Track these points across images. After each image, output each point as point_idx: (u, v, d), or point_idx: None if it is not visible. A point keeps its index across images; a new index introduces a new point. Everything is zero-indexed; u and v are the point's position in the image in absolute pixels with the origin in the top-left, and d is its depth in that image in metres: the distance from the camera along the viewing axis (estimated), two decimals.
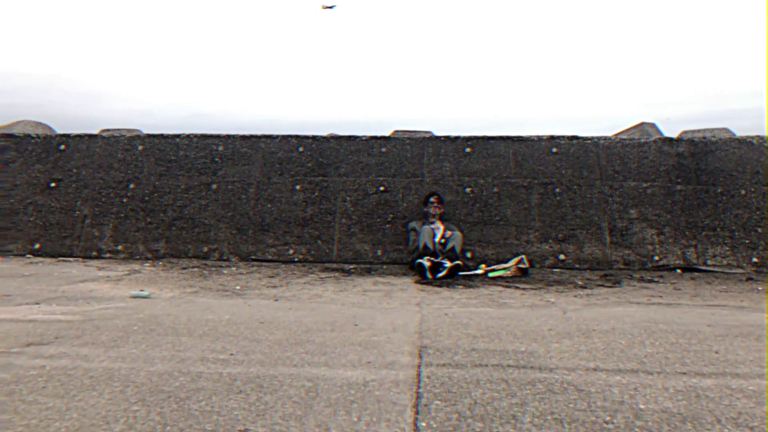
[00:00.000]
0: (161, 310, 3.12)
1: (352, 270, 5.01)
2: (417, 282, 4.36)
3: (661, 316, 3.11)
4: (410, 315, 3.07)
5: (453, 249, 4.74)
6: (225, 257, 5.47)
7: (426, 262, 4.52)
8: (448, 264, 4.55)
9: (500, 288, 4.14)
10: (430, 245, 4.72)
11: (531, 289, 4.12)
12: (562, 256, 5.24)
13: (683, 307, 3.46)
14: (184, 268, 4.96)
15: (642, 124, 6.47)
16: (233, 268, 5.00)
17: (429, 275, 4.47)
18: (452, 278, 4.51)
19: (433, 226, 5.21)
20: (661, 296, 3.85)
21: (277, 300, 3.54)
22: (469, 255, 5.25)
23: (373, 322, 2.86)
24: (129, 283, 4.14)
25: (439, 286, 4.20)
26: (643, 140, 5.61)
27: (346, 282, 4.31)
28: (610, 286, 4.29)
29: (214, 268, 4.97)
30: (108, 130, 6.47)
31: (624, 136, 5.69)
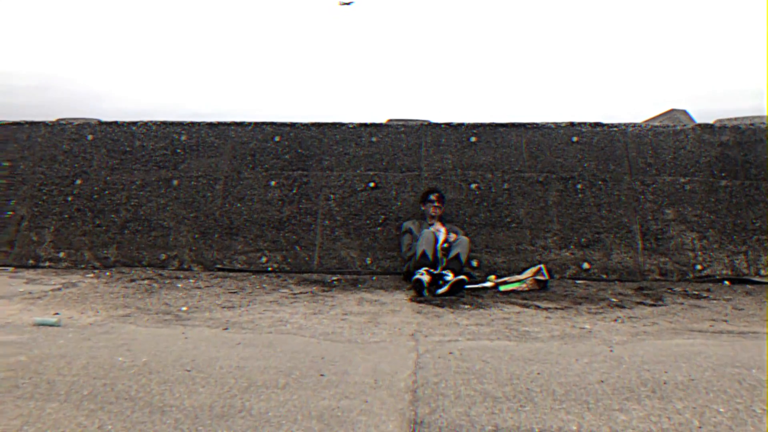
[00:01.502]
0: (59, 348, 2.27)
1: (334, 282, 4.16)
2: (413, 299, 3.51)
3: (746, 355, 2.26)
4: (401, 355, 2.23)
5: (458, 257, 3.89)
6: (185, 266, 4.62)
7: (424, 276, 3.67)
8: (450, 277, 3.70)
9: (517, 308, 3.29)
10: (430, 253, 3.87)
11: (556, 309, 3.28)
12: (586, 265, 4.39)
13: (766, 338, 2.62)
14: (133, 281, 4.10)
15: (672, 110, 5.64)
16: (191, 280, 4.15)
17: (427, 293, 3.63)
18: (456, 294, 3.67)
19: (433, 228, 4.36)
20: (725, 320, 3.01)
21: (227, 329, 2.69)
22: (475, 263, 4.40)
23: (348, 369, 2.02)
24: (50, 302, 3.28)
25: (440, 304, 3.35)
26: (679, 128, 4.77)
27: (324, 300, 3.45)
28: (653, 305, 3.45)
29: (167, 281, 4.12)
30: (65, 119, 5.61)
31: (656, 123, 4.84)
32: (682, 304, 3.47)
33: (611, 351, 2.32)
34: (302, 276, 4.41)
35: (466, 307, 3.30)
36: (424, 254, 3.84)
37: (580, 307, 3.33)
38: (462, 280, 3.78)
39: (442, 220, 4.45)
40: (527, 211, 4.59)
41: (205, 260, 4.63)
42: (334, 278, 4.30)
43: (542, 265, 4.03)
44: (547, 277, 3.98)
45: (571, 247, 4.46)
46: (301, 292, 3.72)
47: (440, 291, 3.63)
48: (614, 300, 3.57)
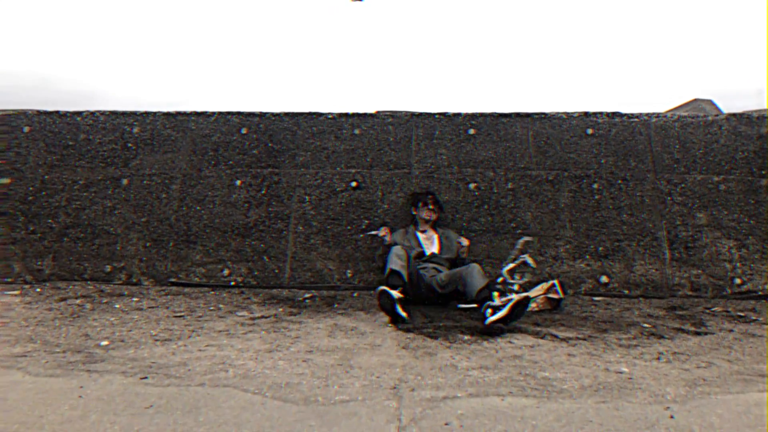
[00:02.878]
0: None
1: (306, 301, 3.47)
2: (399, 327, 2.83)
3: None
4: (376, 429, 1.55)
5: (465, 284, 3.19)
6: (134, 279, 3.92)
7: (396, 294, 2.86)
8: (439, 286, 3.03)
9: (529, 338, 2.62)
10: (405, 272, 3.03)
11: (578, 339, 2.61)
12: (604, 279, 3.73)
13: None
14: (63, 299, 3.40)
15: (695, 100, 5.00)
16: (134, 299, 3.45)
17: (401, 313, 2.84)
18: (450, 320, 2.99)
19: (423, 235, 3.69)
20: None
21: (145, 377, 2.00)
22: None
23: None
24: None
25: (433, 333, 2.67)
26: (710, 118, 4.11)
27: (288, 328, 2.76)
28: (696, 332, 2.79)
29: (106, 300, 3.42)
30: (6, 110, 4.88)
31: (683, 113, 4.19)
32: (731, 331, 2.82)
33: (672, 417, 1.65)
34: (270, 292, 3.72)
35: (466, 337, 2.62)
36: (393, 274, 3.01)
37: (608, 337, 2.66)
38: (457, 291, 3.16)
39: (437, 227, 3.78)
40: (535, 215, 3.92)
41: (158, 273, 3.93)
42: (307, 295, 3.61)
43: (555, 281, 3.36)
44: (561, 295, 3.31)
45: (587, 257, 3.80)
46: (262, 316, 3.03)
47: (496, 317, 2.78)
48: (646, 326, 2.91)
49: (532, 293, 3.32)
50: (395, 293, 2.83)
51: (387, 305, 2.80)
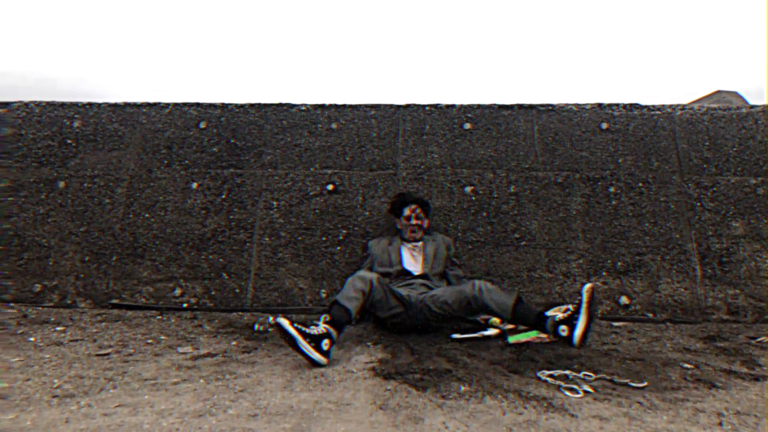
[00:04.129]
0: None
1: (270, 330, 2.87)
2: (376, 368, 2.23)
3: None
4: None
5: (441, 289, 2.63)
6: (69, 301, 3.30)
7: (318, 330, 2.16)
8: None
9: (542, 388, 2.03)
10: (355, 307, 2.35)
11: (606, 391, 2.02)
12: (624, 300, 3.16)
13: None
14: None
15: (719, 92, 4.44)
16: (58, 328, 2.83)
17: (312, 355, 2.12)
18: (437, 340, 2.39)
19: (406, 246, 3.10)
20: None
21: None
22: None
23: None
24: None
25: (421, 382, 2.08)
26: (744, 110, 3.55)
27: (236, 374, 2.16)
28: (752, 376, 2.22)
29: (21, 330, 2.80)
30: None
31: (712, 105, 3.62)
32: None
33: None
34: (228, 317, 3.11)
35: (463, 389, 2.03)
36: (337, 307, 2.31)
37: (649, 390, 2.08)
38: (437, 316, 2.59)
39: (425, 238, 3.19)
40: (542, 223, 3.34)
41: (97, 293, 3.31)
42: (272, 322, 3.00)
43: (570, 306, 2.78)
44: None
45: (604, 273, 3.22)
46: (208, 354, 2.43)
47: (578, 331, 2.18)
48: (687, 366, 2.33)
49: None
50: (299, 333, 2.10)
51: (291, 345, 2.11)
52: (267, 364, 2.29)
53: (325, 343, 2.15)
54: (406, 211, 3.15)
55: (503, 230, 3.34)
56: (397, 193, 3.37)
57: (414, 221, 3.11)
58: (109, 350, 2.47)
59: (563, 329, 2.17)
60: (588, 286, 2.22)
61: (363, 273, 2.50)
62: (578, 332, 2.11)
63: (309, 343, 2.12)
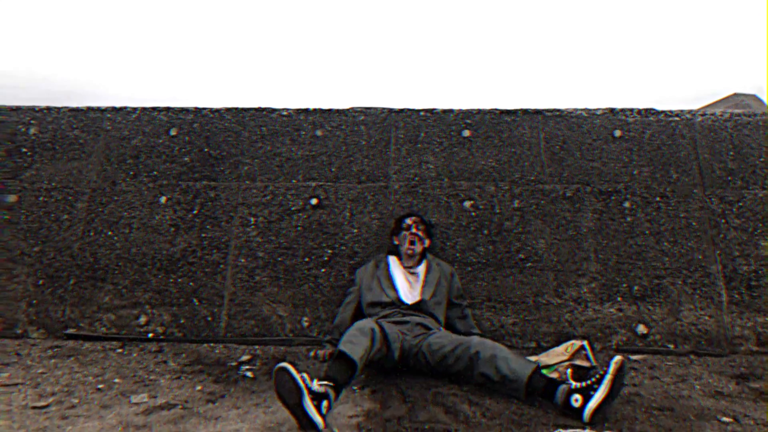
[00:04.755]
0: None
1: (243, 367, 2.52)
2: (366, 426, 1.88)
3: None
4: None
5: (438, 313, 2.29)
6: (19, 330, 2.94)
7: (318, 387, 1.75)
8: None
9: None
10: (359, 354, 1.95)
11: None
12: (642, 328, 2.82)
13: None
14: None
15: (736, 95, 4.12)
16: None
17: (314, 417, 1.67)
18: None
19: (405, 271, 2.76)
20: None
21: None
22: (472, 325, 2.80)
23: None
24: None
25: None
26: None
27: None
28: None
29: None
30: None
31: (735, 110, 3.29)
32: None
33: None
34: (197, 350, 2.76)
35: None
36: (341, 360, 1.92)
37: None
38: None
39: (425, 256, 2.85)
40: (550, 242, 3.00)
41: (52, 321, 2.95)
42: (245, 358, 2.65)
43: (585, 342, 2.44)
44: (591, 362, 2.39)
45: (619, 299, 2.89)
46: (166, 404, 2.07)
47: (594, 402, 1.84)
48: (725, 419, 2.00)
49: (552, 358, 2.40)
50: (309, 387, 1.72)
51: (289, 400, 1.69)
52: (233, 419, 1.94)
53: (325, 405, 1.78)
54: (407, 221, 2.82)
55: (506, 250, 3.00)
56: (397, 208, 3.04)
57: (414, 230, 2.78)
58: (51, 400, 2.11)
59: (576, 399, 1.82)
60: (618, 358, 1.86)
61: (366, 324, 2.12)
62: (592, 404, 1.76)
63: (312, 400, 1.74)
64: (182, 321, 2.93)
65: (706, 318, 2.83)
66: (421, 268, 2.77)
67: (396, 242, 2.86)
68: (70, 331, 2.92)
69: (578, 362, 2.38)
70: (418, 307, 2.58)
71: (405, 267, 2.78)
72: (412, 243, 2.76)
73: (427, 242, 2.85)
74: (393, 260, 2.82)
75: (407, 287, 2.69)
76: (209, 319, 2.93)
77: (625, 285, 2.90)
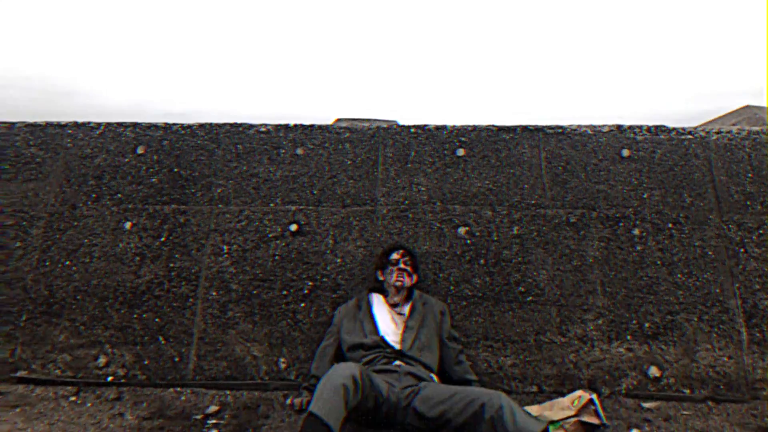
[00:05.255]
0: None
1: (210, 421, 2.23)
2: None
3: None
4: None
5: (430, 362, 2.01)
6: None
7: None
8: None
9: None
10: (332, 415, 1.69)
11: None
12: (654, 371, 2.56)
13: None
14: None
15: (748, 107, 3.87)
16: None
17: None
18: None
19: (390, 310, 2.50)
20: None
21: None
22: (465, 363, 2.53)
23: None
24: None
25: None
26: None
27: None
28: None
29: None
30: None
31: (753, 127, 3.04)
32: None
33: None
34: (161, 396, 2.47)
35: None
36: (314, 423, 1.67)
37: None
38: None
39: (412, 293, 2.58)
40: (552, 274, 2.73)
41: (0, 363, 2.66)
42: (213, 409, 2.36)
43: (593, 395, 2.16)
44: (603, 418, 2.11)
45: (628, 337, 2.62)
46: None
47: None
48: None
49: (557, 413, 2.13)
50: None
51: None
52: None
53: None
54: (394, 255, 2.56)
55: (505, 282, 2.72)
56: (383, 238, 2.76)
57: (402, 265, 2.51)
58: None
59: None
60: None
61: (345, 371, 1.84)
62: None
63: None
64: (146, 362, 2.64)
65: (725, 359, 2.57)
66: (406, 306, 2.50)
67: (381, 278, 2.59)
68: (21, 374, 2.62)
69: (586, 419, 2.11)
70: (405, 355, 2.30)
71: (390, 305, 2.51)
72: (399, 276, 2.48)
73: (414, 277, 2.57)
74: (377, 298, 2.55)
75: (393, 327, 2.42)
76: (176, 359, 2.64)
77: (635, 322, 2.64)
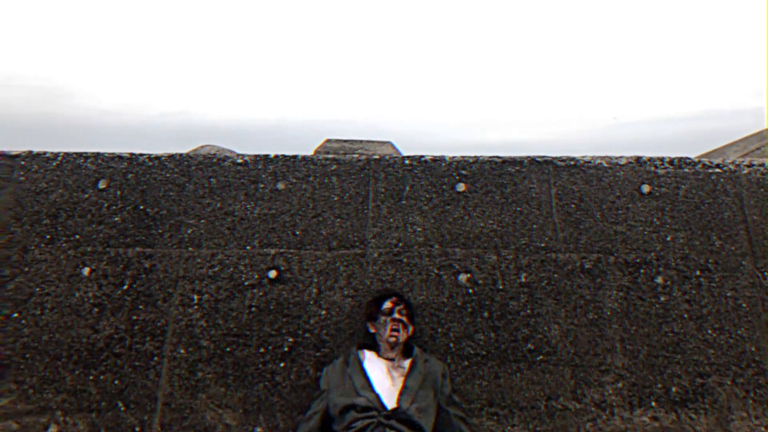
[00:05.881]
0: None
1: None
2: None
3: None
4: None
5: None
6: None
7: None
8: None
9: None
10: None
11: None
12: None
13: None
14: None
15: (764, 131, 3.57)
16: None
17: None
18: None
19: (383, 365, 2.19)
20: None
21: None
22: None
23: None
24: None
25: None
26: None
27: None
28: None
29: None
30: None
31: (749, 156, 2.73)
32: None
33: None
34: None
35: None
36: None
37: None
38: None
39: (409, 349, 2.26)
40: (565, 328, 2.41)
41: None
42: None
43: None
44: None
45: (653, 404, 2.30)
46: None
47: None
48: None
49: None
50: None
51: None
52: None
53: None
54: (387, 304, 2.25)
55: (512, 338, 2.40)
56: (372, 286, 2.44)
57: (397, 315, 2.20)
58: None
59: None
60: None
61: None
62: None
63: None
64: (102, 431, 2.31)
65: (762, 429, 2.25)
66: (407, 364, 2.19)
67: (372, 330, 2.27)
68: None
69: None
70: (400, 412, 1.99)
71: (386, 359, 2.20)
72: (394, 330, 2.17)
73: (411, 329, 2.26)
74: (368, 354, 2.23)
75: (388, 383, 2.11)
76: (137, 429, 2.31)
77: (660, 385, 2.32)
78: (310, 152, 3.77)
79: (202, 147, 4.14)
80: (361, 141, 3.84)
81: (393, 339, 2.18)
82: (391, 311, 2.24)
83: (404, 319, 2.23)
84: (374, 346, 2.27)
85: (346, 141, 3.84)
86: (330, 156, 2.75)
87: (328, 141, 3.88)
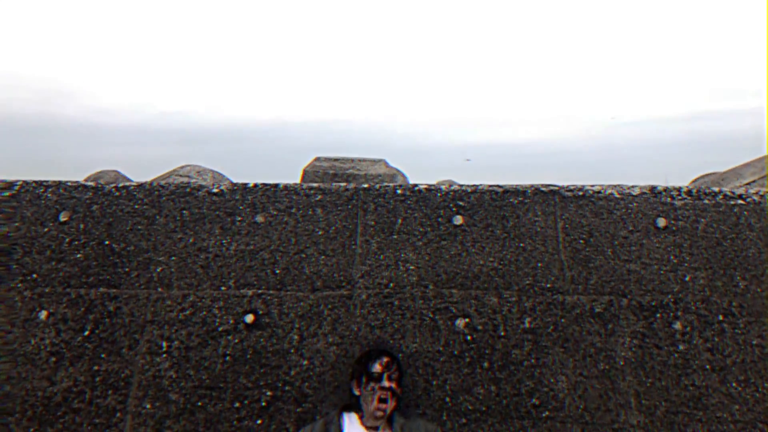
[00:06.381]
0: None
1: None
2: None
3: None
4: None
5: None
6: None
7: None
8: None
9: None
10: None
11: None
12: None
13: None
14: None
15: None
16: None
17: None
18: None
19: (361, 429, 1.95)
20: None
21: None
22: None
23: None
24: None
25: None
26: None
27: None
28: None
29: None
30: None
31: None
32: None
33: None
34: None
35: None
36: None
37: None
38: None
39: (398, 413, 2.02)
40: (574, 381, 2.17)
41: None
42: None
43: None
44: None
45: None
46: None
47: None
48: None
49: None
50: None
51: None
52: None
53: None
54: (376, 367, 1.99)
55: (515, 392, 2.16)
56: (362, 342, 2.20)
57: (386, 382, 1.95)
58: None
59: None
60: None
61: None
62: None
63: None
64: None
65: None
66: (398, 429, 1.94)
67: (356, 392, 2.02)
68: None
69: None
70: None
71: (368, 427, 1.95)
72: (382, 400, 1.92)
73: (396, 395, 2.00)
74: (350, 419, 1.98)
75: None
76: None
77: None
78: (305, 152, 3.54)
79: (182, 167, 3.90)
80: (352, 159, 3.60)
81: (380, 414, 1.93)
82: (380, 377, 1.98)
83: (394, 385, 1.98)
84: (358, 408, 2.02)
85: (336, 159, 3.60)
86: (314, 185, 2.50)
87: (317, 159, 3.65)
